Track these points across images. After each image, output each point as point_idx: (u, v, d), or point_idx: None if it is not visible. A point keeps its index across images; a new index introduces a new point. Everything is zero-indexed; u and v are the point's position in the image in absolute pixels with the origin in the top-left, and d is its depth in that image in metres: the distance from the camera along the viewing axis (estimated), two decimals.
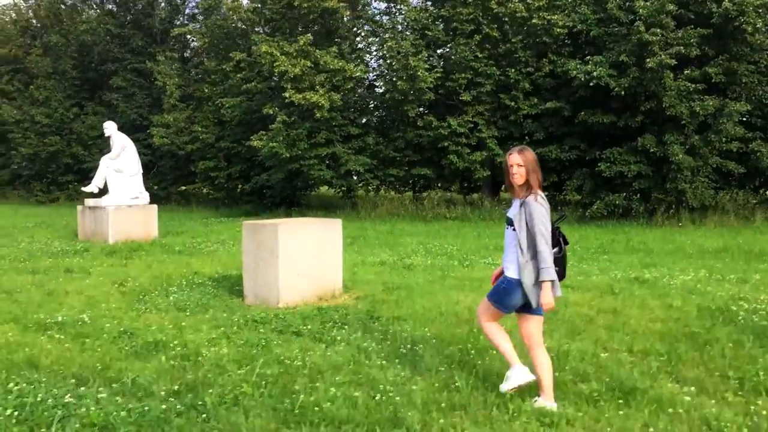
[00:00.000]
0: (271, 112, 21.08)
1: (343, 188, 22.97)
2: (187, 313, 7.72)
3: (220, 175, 25.84)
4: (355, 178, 22.08)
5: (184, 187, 30.90)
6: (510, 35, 20.53)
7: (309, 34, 20.74)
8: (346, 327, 7.04)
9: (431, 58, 20.78)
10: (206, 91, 26.59)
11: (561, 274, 4.57)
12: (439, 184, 23.71)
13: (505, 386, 4.73)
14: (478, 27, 20.55)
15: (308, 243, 8.55)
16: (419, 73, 19.51)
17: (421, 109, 21.82)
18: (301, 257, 8.45)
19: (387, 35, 20.85)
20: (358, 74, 21.10)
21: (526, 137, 21.27)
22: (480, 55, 20.52)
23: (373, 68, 23.35)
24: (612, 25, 19.53)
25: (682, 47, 17.94)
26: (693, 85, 18.28)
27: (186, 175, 29.45)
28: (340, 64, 20.54)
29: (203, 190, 29.07)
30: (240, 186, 26.20)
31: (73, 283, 9.67)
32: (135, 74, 31.05)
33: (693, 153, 18.68)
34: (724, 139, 18.53)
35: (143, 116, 29.88)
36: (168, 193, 30.04)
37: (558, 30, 19.58)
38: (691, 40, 18.30)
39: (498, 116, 21.54)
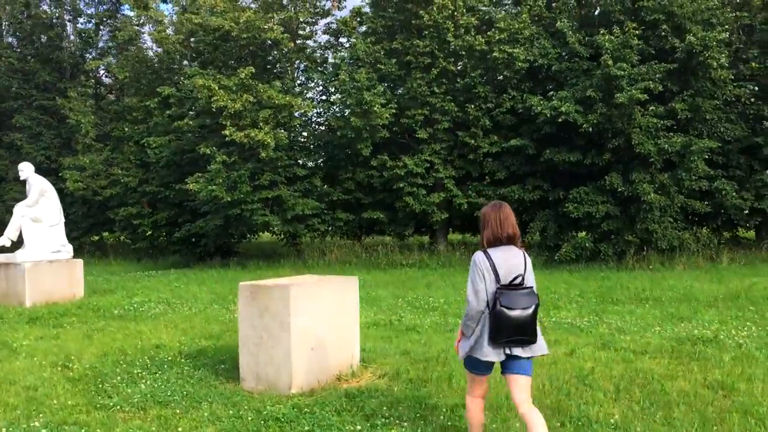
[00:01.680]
0: (208, 152, 18.94)
1: (288, 234, 20.92)
2: (177, 411, 5.67)
3: (144, 222, 23.21)
4: (299, 224, 20.06)
5: (96, 237, 27.86)
6: (468, 69, 19.35)
7: (251, 67, 18.85)
8: (404, 425, 5.21)
9: (384, 94, 19.25)
10: (126, 130, 24.05)
11: (493, 335, 4.25)
12: (392, 229, 22.04)
13: None
14: (434, 60, 19.28)
15: (323, 308, 6.69)
16: (375, 108, 17.96)
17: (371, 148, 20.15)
18: (317, 327, 6.58)
19: (340, 68, 19.21)
20: (305, 110, 19.33)
21: (486, 177, 20.00)
22: (437, 90, 19.22)
23: (316, 104, 21.53)
24: (573, 59, 18.71)
25: (650, 82, 17.22)
26: (661, 122, 17.60)
27: (101, 223, 26.50)
28: (287, 98, 18.73)
29: (122, 239, 26.19)
30: (166, 234, 23.62)
31: None
32: (41, 112, 27.96)
33: (662, 192, 17.91)
34: (694, 177, 17.86)
35: (51, 158, 26.82)
36: (80, 244, 26.85)
37: (519, 64, 18.54)
38: (656, 75, 17.67)
39: (455, 155, 20.21)
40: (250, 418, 5.43)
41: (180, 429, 5.17)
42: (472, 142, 19.29)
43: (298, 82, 22.82)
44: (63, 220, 14.05)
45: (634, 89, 16.90)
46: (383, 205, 20.78)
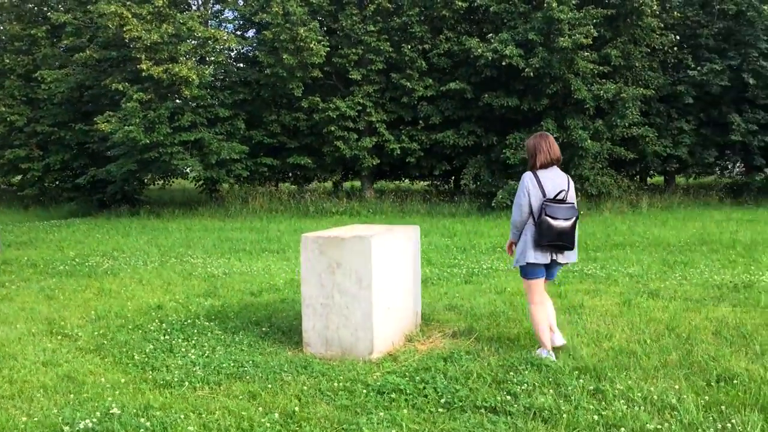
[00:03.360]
0: (121, 88, 16.96)
1: (208, 180, 19.33)
2: (267, 385, 4.73)
3: (33, 166, 20.69)
4: (221, 169, 18.53)
5: None
6: (405, 7, 18.42)
7: None
8: (549, 392, 4.58)
9: (317, 30, 17.93)
10: (7, 61, 21.16)
11: (537, 239, 5.01)
12: (318, 174, 20.94)
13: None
14: None
15: (395, 261, 5.89)
16: (312, 45, 16.72)
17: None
18: (392, 283, 5.79)
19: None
20: (233, 44, 17.69)
21: (420, 122, 19.35)
22: (372, 29, 18.19)
23: (238, 38, 19.62)
24: (512, 1, 18.28)
25: (590, 27, 17.16)
26: (598, 68, 17.65)
27: None
28: (212, 31, 17.03)
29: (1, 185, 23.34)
30: (59, 180, 21.20)
31: None
32: None
33: (596, 138, 18.11)
34: (626, 124, 18.16)
35: None
36: None
37: (459, 3, 17.85)
38: (593, 21, 17.64)
39: (387, 98, 19.36)
40: (364, 392, 4.59)
41: (295, 409, 4.27)
42: (408, 84, 18.49)
43: (215, 8, 20.81)
44: None
45: (578, 33, 16.78)
46: (310, 150, 19.68)
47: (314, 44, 16.82)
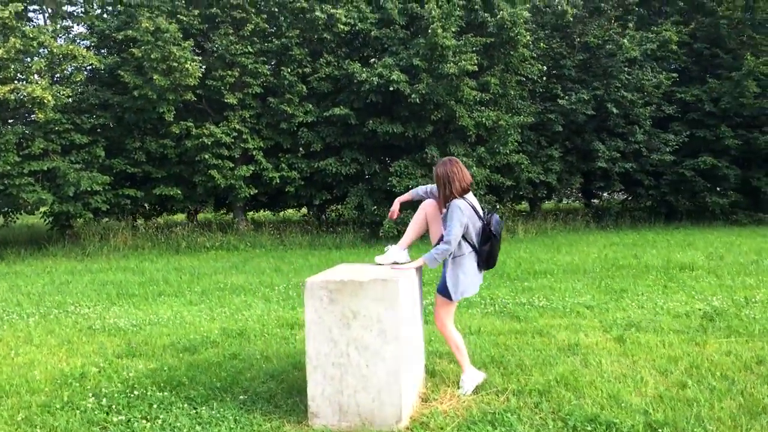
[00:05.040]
0: None
1: (61, 215, 16.91)
2: None
3: None
4: (77, 203, 16.29)
5: None
6: (284, 28, 17.41)
7: (18, 3, 14.71)
8: None
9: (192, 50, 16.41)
10: None
11: (491, 261, 5.05)
12: (189, 206, 19.12)
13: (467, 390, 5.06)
14: (246, 16, 16.99)
15: (412, 306, 5.00)
16: (187, 65, 15.23)
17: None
18: (412, 333, 4.88)
19: (141, 14, 15.74)
20: (93, 62, 15.70)
21: (300, 149, 18.29)
22: (250, 50, 16.99)
23: (99, 56, 17.35)
24: (392, 26, 17.91)
25: (473, 55, 17.14)
26: (480, 95, 17.66)
27: None
28: (70, 47, 15.02)
29: None
30: None
31: None
32: None
33: (479, 165, 18.05)
34: (506, 151, 18.28)
35: None
36: None
37: (341, 26, 17.16)
38: (473, 49, 17.66)
39: (263, 124, 18.15)
40: None
41: None
42: (287, 109, 17.43)
43: (59, 25, 18.48)
44: None
45: (464, 60, 16.67)
46: (178, 180, 17.96)
47: (189, 64, 15.35)
